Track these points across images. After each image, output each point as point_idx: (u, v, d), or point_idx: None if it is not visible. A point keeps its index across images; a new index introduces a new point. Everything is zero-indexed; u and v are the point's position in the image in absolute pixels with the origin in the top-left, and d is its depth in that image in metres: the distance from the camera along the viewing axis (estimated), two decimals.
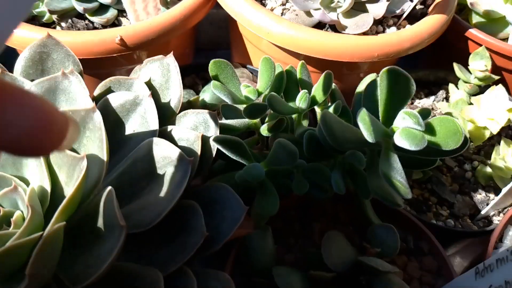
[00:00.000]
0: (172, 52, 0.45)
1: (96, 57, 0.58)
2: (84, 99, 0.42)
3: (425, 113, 0.47)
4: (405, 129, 0.38)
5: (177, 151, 0.39)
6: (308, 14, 0.57)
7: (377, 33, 0.60)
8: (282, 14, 0.60)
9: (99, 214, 0.35)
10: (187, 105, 0.60)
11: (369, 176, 0.44)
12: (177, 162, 0.39)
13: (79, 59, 0.46)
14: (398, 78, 0.39)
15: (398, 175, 0.38)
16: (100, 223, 0.36)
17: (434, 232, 0.51)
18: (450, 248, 0.66)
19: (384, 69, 0.39)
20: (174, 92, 0.45)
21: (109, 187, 0.34)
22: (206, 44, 0.90)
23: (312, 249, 0.49)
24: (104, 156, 0.37)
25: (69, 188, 0.37)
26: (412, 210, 0.56)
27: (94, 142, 0.38)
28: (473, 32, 0.67)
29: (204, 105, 0.61)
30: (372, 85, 0.43)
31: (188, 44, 0.71)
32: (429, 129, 0.39)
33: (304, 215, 0.54)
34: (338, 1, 0.55)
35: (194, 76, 0.67)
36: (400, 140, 0.38)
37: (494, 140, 0.64)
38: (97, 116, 0.38)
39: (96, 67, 0.63)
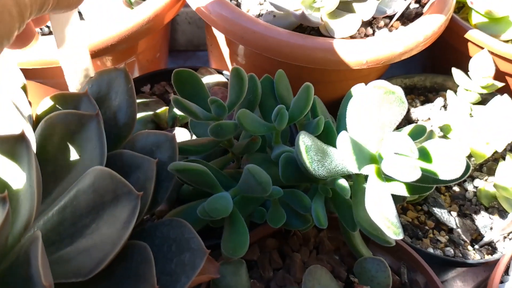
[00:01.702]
0: (124, 64, 0.39)
1: (52, 67, 0.52)
2: (20, 121, 0.36)
3: (420, 131, 0.41)
4: (395, 156, 0.32)
5: (124, 183, 0.33)
6: (288, 15, 0.51)
7: (366, 36, 0.53)
8: (259, 15, 0.53)
9: (27, 263, 0.30)
10: (153, 118, 0.54)
11: (355, 206, 0.38)
12: (125, 197, 0.34)
13: (32, 69, 0.40)
14: (388, 96, 0.33)
15: (388, 211, 0.32)
16: (29, 273, 0.30)
17: (431, 259, 0.45)
18: (450, 271, 0.60)
19: (372, 83, 0.33)
20: (127, 109, 0.39)
21: (37, 238, 0.29)
22: (185, 45, 0.84)
23: (292, 287, 0.43)
24: (34, 193, 0.32)
25: None
26: (407, 237, 0.50)
27: (24, 175, 0.33)
28: (473, 34, 0.60)
29: (173, 118, 0.55)
30: (359, 99, 0.36)
31: (159, 47, 0.64)
32: (424, 155, 0.33)
33: (284, 243, 0.48)
34: (321, 0, 0.48)
35: (165, 83, 0.60)
36: (388, 169, 0.32)
37: (498, 154, 0.58)
38: (27, 146, 0.32)
39: (56, 76, 0.56)
